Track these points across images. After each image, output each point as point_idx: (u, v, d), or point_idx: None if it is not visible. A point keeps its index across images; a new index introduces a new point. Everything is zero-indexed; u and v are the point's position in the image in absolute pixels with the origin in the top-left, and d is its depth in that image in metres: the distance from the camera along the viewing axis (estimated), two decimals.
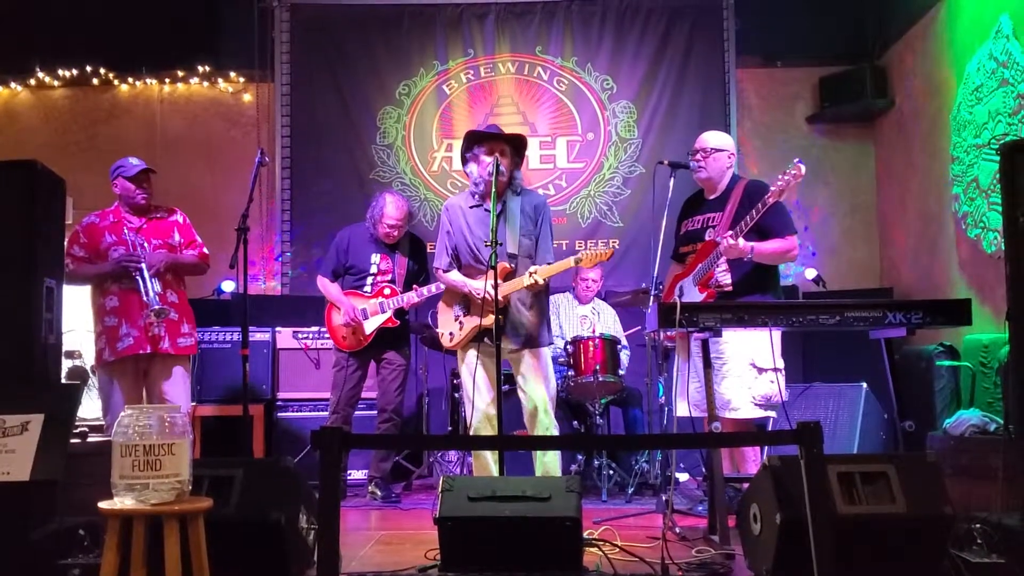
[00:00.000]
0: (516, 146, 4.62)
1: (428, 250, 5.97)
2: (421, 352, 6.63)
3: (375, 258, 5.65)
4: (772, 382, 4.31)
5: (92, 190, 5.63)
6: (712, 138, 4.67)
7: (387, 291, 5.56)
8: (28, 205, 3.59)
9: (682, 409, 4.57)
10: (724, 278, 4.32)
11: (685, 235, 4.71)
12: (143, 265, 4.78)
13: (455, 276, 4.61)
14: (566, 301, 6.48)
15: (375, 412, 5.72)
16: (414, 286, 5.58)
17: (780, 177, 4.07)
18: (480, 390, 4.44)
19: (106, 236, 4.89)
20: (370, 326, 5.52)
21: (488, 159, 4.42)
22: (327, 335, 5.76)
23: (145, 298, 4.73)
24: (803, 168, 4.06)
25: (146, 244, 4.90)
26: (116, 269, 4.80)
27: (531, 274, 4.32)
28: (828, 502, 3.02)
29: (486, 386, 4.46)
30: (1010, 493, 3.51)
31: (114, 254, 4.84)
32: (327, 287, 5.70)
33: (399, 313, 5.57)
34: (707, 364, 4.05)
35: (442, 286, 5.14)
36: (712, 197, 4.64)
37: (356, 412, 5.73)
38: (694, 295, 4.41)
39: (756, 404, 4.34)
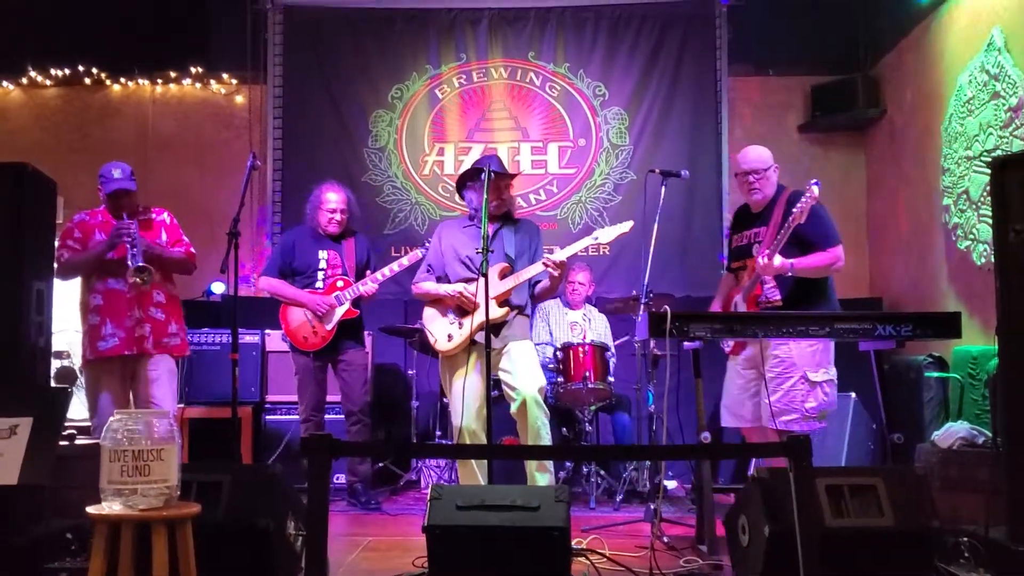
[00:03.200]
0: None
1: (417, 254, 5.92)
2: (410, 356, 6.62)
3: (322, 254, 5.57)
4: (827, 394, 4.31)
5: (83, 190, 5.60)
6: (763, 156, 4.56)
7: (340, 283, 5.50)
8: (19, 208, 3.57)
9: (730, 421, 4.61)
10: (772, 294, 4.29)
11: (735, 250, 4.69)
12: (134, 230, 4.68)
13: (427, 285, 4.74)
14: (556, 308, 6.48)
15: (340, 416, 5.70)
16: (367, 272, 5.53)
17: (799, 203, 4.07)
18: (468, 396, 4.44)
19: (96, 233, 4.86)
20: (331, 321, 5.45)
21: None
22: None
23: (130, 262, 4.59)
24: (816, 191, 4.05)
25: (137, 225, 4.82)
26: (111, 240, 4.70)
27: (547, 257, 4.45)
28: (816, 515, 3.04)
29: (473, 390, 4.46)
30: (998, 506, 3.52)
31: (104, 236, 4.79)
32: (278, 286, 5.57)
33: (355, 303, 5.52)
34: (697, 374, 4.07)
35: (395, 268, 5.33)
36: (757, 211, 4.59)
37: (325, 416, 5.71)
38: (744, 310, 4.43)
39: (809, 417, 4.30)
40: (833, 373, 4.33)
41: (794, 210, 4.10)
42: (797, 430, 4.23)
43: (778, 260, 4.18)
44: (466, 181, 4.74)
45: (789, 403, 4.27)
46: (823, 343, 4.25)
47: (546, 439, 4.50)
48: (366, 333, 5.88)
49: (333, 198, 5.52)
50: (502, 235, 4.62)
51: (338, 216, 5.54)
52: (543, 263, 4.45)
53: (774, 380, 4.29)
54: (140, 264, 4.57)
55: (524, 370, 4.49)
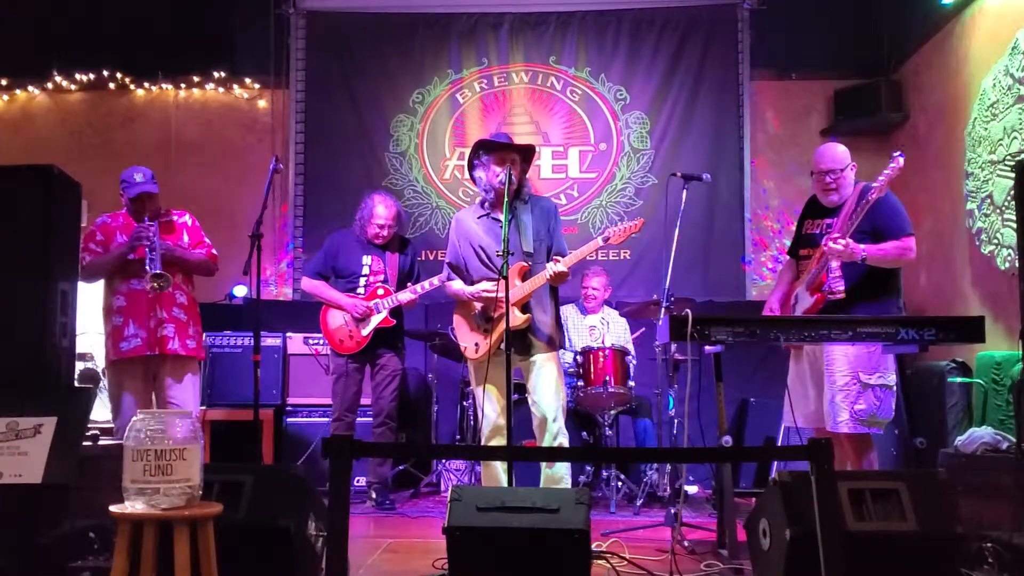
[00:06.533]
0: (525, 155, 4.62)
1: (437, 258, 5.96)
2: (431, 360, 6.64)
3: (366, 259, 5.64)
4: (879, 399, 4.14)
5: (107, 194, 5.64)
6: (839, 156, 4.40)
7: (381, 291, 5.56)
8: (44, 209, 3.60)
9: (793, 420, 4.45)
10: (837, 284, 4.16)
11: (805, 237, 4.54)
12: (152, 234, 4.71)
13: (456, 285, 4.65)
14: (574, 313, 6.47)
15: (370, 418, 5.73)
16: (408, 284, 5.59)
17: (882, 172, 4.00)
18: (491, 400, 4.43)
19: (117, 236, 4.90)
20: (367, 327, 5.52)
21: (499, 168, 4.43)
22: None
23: (148, 267, 4.63)
24: (902, 160, 3.98)
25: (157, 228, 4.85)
26: (131, 242, 4.75)
27: (555, 261, 4.37)
28: (838, 518, 3.01)
29: (498, 395, 4.44)
30: (1022, 512, 3.49)
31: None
32: (319, 288, 5.68)
33: (395, 312, 5.58)
34: (718, 378, 4.05)
35: (435, 282, 5.27)
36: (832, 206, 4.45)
37: (357, 418, 5.74)
38: (806, 300, 4.33)
39: (857, 419, 4.13)
40: (891, 380, 4.16)
41: (874, 184, 4.01)
42: (847, 432, 4.12)
43: (850, 242, 4.05)
44: (476, 154, 4.59)
45: (841, 402, 4.14)
46: (879, 346, 4.10)
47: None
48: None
49: (383, 213, 5.58)
50: (517, 228, 4.49)
51: (385, 232, 5.62)
52: (547, 275, 4.38)
53: (829, 378, 4.19)
54: (157, 271, 4.60)
55: (546, 390, 4.43)
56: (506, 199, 4.23)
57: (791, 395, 4.43)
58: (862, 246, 4.09)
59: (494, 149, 4.52)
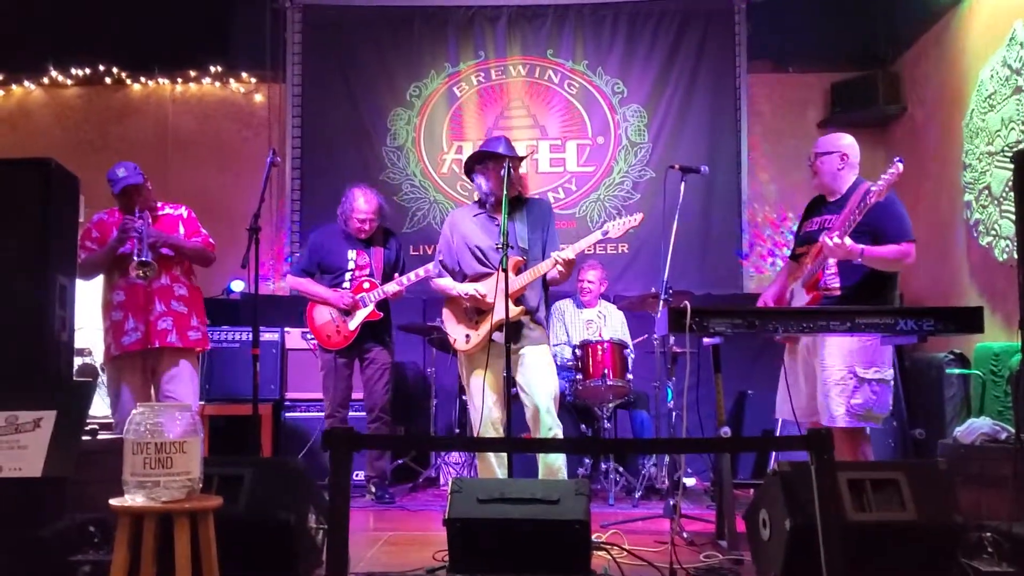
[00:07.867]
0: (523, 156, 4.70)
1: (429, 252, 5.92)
2: (430, 354, 6.64)
3: (351, 254, 5.64)
4: (875, 393, 4.08)
5: (104, 189, 5.59)
6: (829, 140, 4.50)
7: (366, 285, 5.56)
8: (42, 203, 3.59)
9: (785, 413, 4.41)
10: (832, 281, 4.14)
11: (803, 236, 4.53)
12: (139, 225, 4.68)
13: (443, 282, 4.68)
14: (570, 307, 6.47)
15: (363, 413, 5.73)
16: (395, 276, 5.58)
17: (881, 176, 3.95)
18: (486, 393, 4.44)
19: (113, 231, 4.88)
20: (354, 321, 5.51)
21: (499, 172, 4.44)
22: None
23: (135, 256, 4.60)
24: (901, 166, 3.93)
25: (149, 219, 4.83)
26: (119, 235, 4.73)
27: (560, 250, 4.39)
28: (838, 509, 3.02)
29: (492, 389, 4.45)
30: (1020, 502, 3.50)
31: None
32: (304, 284, 5.69)
33: (382, 305, 5.58)
34: (717, 369, 4.05)
35: (421, 273, 5.28)
36: (832, 200, 4.42)
37: (349, 413, 5.74)
38: (802, 297, 4.29)
39: (853, 413, 4.06)
40: (888, 374, 4.10)
41: (873, 188, 3.97)
42: (843, 426, 4.04)
43: (848, 242, 4.00)
44: (474, 164, 4.67)
45: (837, 396, 4.08)
46: (875, 341, 4.08)
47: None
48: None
49: (363, 207, 5.58)
50: (513, 223, 4.52)
51: (367, 226, 5.60)
52: (551, 263, 4.41)
53: (823, 373, 4.15)
54: (143, 259, 4.58)
55: (536, 379, 4.44)
56: (505, 193, 4.26)
57: (783, 388, 4.43)
58: (860, 246, 4.05)
59: (492, 158, 4.54)
